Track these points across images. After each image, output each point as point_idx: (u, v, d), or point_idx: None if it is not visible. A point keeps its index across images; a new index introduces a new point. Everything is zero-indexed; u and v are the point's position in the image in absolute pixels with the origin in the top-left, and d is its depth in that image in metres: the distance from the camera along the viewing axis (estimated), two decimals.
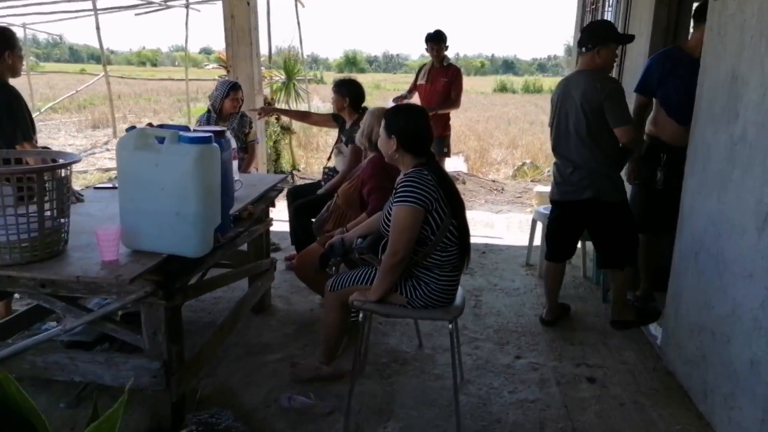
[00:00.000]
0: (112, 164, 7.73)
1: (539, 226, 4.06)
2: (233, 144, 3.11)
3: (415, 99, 5.32)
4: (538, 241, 4.06)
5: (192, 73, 15.23)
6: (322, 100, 13.10)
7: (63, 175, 1.87)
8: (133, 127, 1.98)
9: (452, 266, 2.16)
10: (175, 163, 1.89)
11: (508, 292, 3.67)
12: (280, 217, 4.83)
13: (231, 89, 4.01)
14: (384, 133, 2.15)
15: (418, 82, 5.22)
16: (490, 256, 4.41)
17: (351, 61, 78.44)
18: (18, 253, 1.78)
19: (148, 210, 1.93)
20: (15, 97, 2.66)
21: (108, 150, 9.50)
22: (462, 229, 2.15)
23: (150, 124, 2.22)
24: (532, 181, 7.81)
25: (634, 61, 3.76)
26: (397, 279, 2.14)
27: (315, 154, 9.47)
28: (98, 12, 9.96)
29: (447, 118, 5.20)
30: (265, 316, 3.23)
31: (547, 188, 6.33)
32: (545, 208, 4.12)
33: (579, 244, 4.03)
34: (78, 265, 1.85)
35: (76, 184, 6.47)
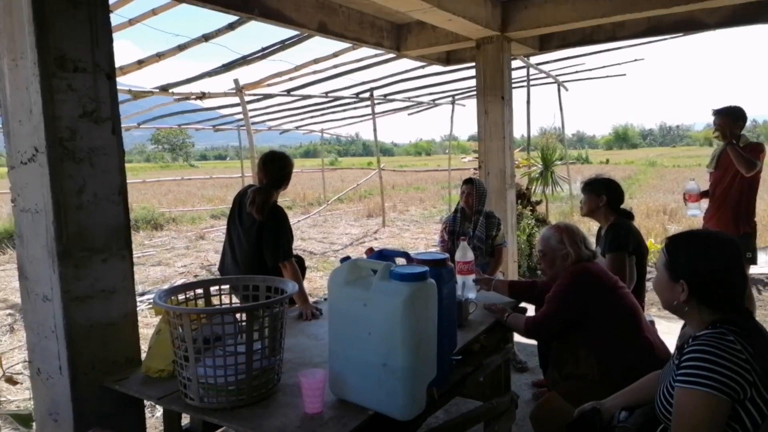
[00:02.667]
0: None
1: None
2: (470, 256, 2.78)
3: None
4: None
5: (456, 162, 16.02)
6: None
7: (276, 310, 1.75)
8: (347, 258, 1.78)
9: None
10: (382, 303, 1.60)
11: None
12: None
13: (462, 184, 3.89)
14: (665, 274, 1.50)
15: (707, 170, 4.17)
16: None
17: (621, 137, 73.71)
18: (225, 397, 1.68)
19: (355, 357, 1.66)
20: (284, 218, 2.81)
21: (375, 239, 10.28)
22: None
23: (371, 250, 2.02)
24: None
25: None
26: None
27: None
28: (376, 116, 11.25)
29: (750, 208, 3.95)
30: None
31: None
32: None
33: None
34: (280, 414, 1.66)
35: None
